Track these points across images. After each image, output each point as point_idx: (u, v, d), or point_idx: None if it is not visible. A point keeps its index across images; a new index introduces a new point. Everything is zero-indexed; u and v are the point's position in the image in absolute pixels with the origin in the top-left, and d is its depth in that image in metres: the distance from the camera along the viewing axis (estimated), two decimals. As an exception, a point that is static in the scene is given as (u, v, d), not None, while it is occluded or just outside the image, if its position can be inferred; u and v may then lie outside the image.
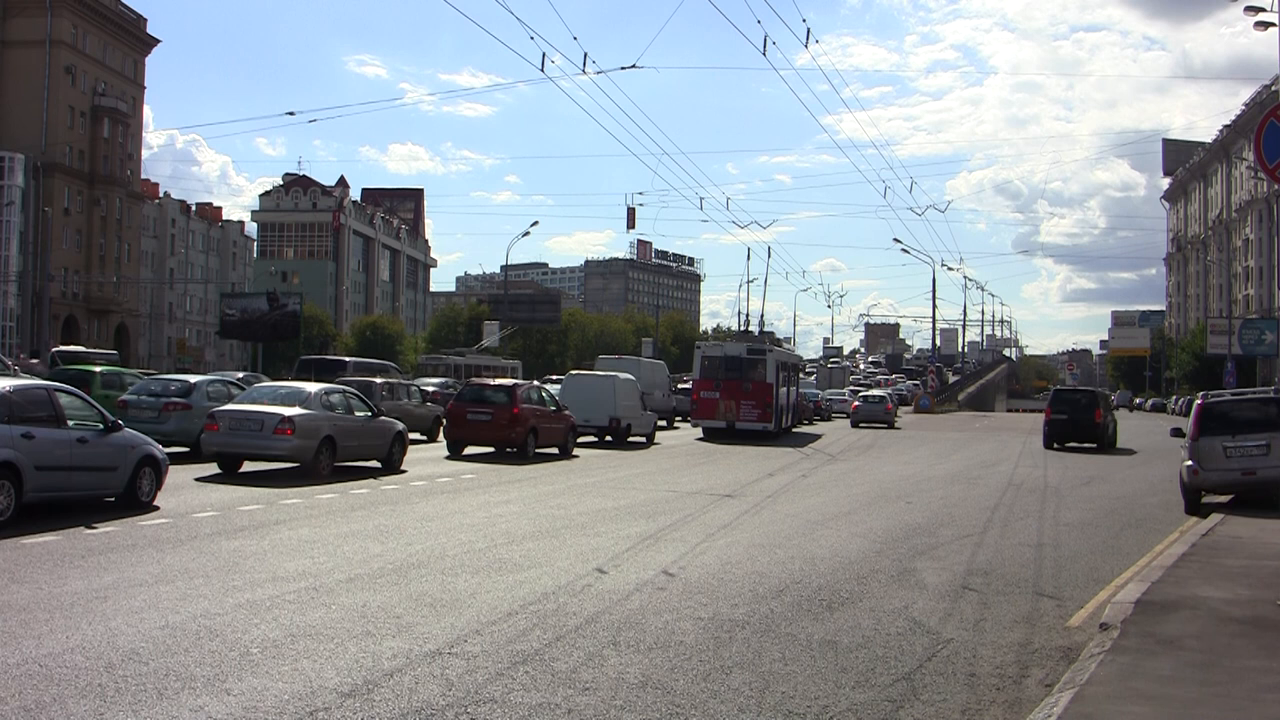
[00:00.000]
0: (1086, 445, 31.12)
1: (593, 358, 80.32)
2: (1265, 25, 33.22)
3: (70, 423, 11.79)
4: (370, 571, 9.09)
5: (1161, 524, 14.33)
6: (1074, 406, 31.74)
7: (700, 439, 32.46)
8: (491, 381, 25.79)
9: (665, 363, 48.12)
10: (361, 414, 18.63)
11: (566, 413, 24.81)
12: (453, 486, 16.51)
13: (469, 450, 22.75)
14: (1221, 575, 9.45)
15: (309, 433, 16.73)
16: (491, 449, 22.87)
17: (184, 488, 14.68)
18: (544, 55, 27.82)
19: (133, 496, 12.49)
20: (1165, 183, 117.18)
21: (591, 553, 10.45)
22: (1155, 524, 14.37)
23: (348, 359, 37.12)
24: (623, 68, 24.38)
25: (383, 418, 19.26)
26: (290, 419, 16.52)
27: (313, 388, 18.66)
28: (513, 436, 22.29)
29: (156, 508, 12.58)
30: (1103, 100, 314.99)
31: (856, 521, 13.70)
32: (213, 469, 16.93)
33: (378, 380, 28.25)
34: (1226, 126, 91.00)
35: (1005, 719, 5.82)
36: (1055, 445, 30.84)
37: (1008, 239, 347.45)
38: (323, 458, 16.90)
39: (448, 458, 22.03)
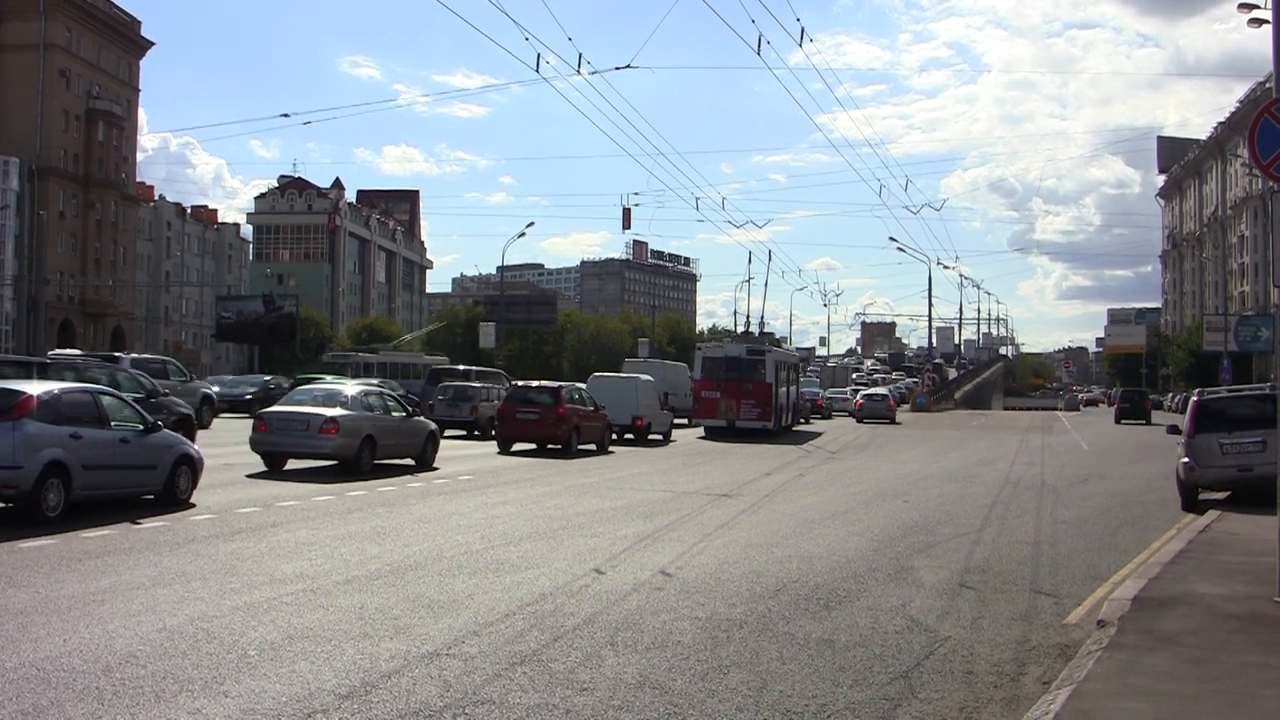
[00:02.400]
0: (1140, 421, 51.45)
1: (589, 359, 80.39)
2: (1259, 22, 33.28)
3: (113, 424, 12.36)
4: (367, 573, 9.08)
5: (1159, 521, 14.36)
6: (1132, 399, 56.46)
7: (702, 437, 32.67)
8: (535, 384, 27.51)
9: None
10: (397, 414, 19.63)
11: (603, 411, 26.59)
12: (450, 488, 16.50)
13: (517, 447, 24.58)
14: (1218, 571, 9.46)
15: (352, 432, 17.62)
16: (535, 445, 24.58)
17: (231, 485, 15.36)
18: (538, 56, 28.05)
19: (171, 494, 12.99)
20: (1160, 180, 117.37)
21: (589, 553, 10.44)
22: (1152, 521, 14.40)
23: (472, 368, 42.98)
24: (617, 68, 24.38)
25: (417, 418, 20.35)
26: (334, 419, 17.44)
27: (352, 390, 19.97)
28: (558, 434, 24.09)
29: (193, 505, 13.03)
30: (1097, 97, 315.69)
31: (854, 520, 13.71)
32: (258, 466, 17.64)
33: (475, 384, 32.98)
34: (1221, 123, 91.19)
35: (1003, 716, 5.83)
36: (1122, 421, 51.69)
37: (1003, 237, 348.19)
38: (364, 456, 17.74)
39: (499, 453, 23.87)
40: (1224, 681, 6.01)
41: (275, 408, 18.59)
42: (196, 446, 13.87)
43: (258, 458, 17.67)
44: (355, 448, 17.52)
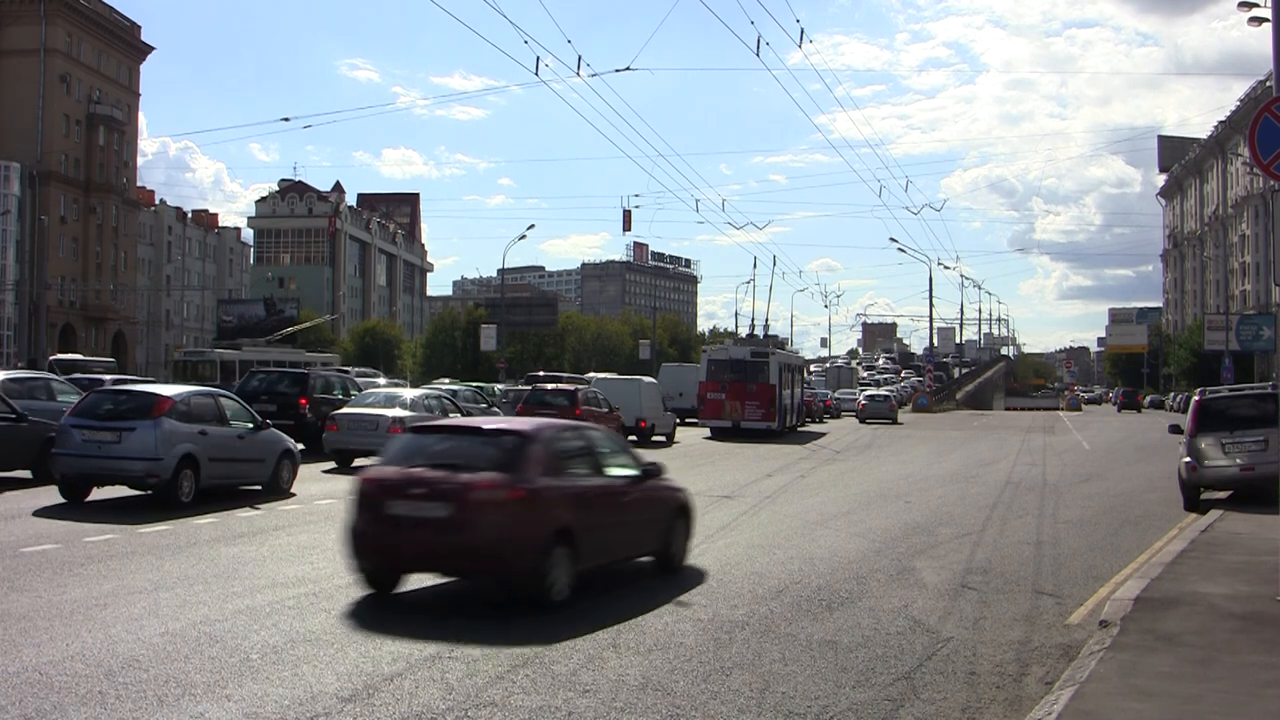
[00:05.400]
0: (1132, 409, 72.36)
1: (590, 360, 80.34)
2: (1259, 20, 33.25)
3: (231, 422, 13.91)
4: (370, 576, 9.07)
5: (1160, 521, 14.34)
6: (1129, 395, 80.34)
7: (707, 438, 32.70)
8: (550, 386, 27.94)
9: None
10: (454, 416, 20.79)
11: (617, 412, 27.03)
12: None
13: None
14: (1220, 571, 9.46)
15: None
16: None
17: (311, 480, 16.52)
18: (538, 58, 27.94)
19: (276, 485, 14.47)
20: (1161, 179, 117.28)
21: (591, 555, 10.42)
22: (1154, 521, 14.38)
23: (562, 374, 46.23)
24: (616, 70, 24.43)
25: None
26: (400, 420, 18.69)
27: (409, 393, 21.79)
28: None
29: (293, 494, 14.53)
30: (1096, 96, 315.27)
31: (855, 521, 13.71)
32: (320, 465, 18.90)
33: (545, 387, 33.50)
34: (1221, 122, 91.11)
35: (1006, 717, 5.83)
36: (1121, 410, 72.65)
37: (1003, 237, 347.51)
38: None
39: None
40: (1226, 681, 6.01)
41: (346, 410, 20.13)
42: (294, 442, 15.28)
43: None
44: None
